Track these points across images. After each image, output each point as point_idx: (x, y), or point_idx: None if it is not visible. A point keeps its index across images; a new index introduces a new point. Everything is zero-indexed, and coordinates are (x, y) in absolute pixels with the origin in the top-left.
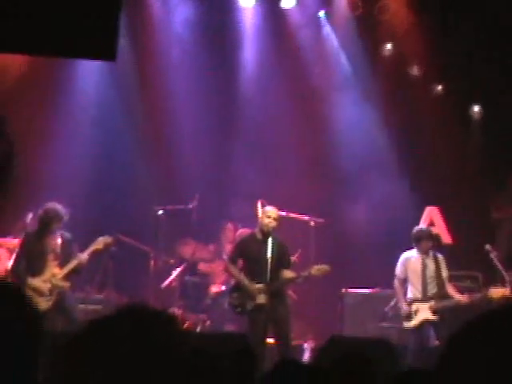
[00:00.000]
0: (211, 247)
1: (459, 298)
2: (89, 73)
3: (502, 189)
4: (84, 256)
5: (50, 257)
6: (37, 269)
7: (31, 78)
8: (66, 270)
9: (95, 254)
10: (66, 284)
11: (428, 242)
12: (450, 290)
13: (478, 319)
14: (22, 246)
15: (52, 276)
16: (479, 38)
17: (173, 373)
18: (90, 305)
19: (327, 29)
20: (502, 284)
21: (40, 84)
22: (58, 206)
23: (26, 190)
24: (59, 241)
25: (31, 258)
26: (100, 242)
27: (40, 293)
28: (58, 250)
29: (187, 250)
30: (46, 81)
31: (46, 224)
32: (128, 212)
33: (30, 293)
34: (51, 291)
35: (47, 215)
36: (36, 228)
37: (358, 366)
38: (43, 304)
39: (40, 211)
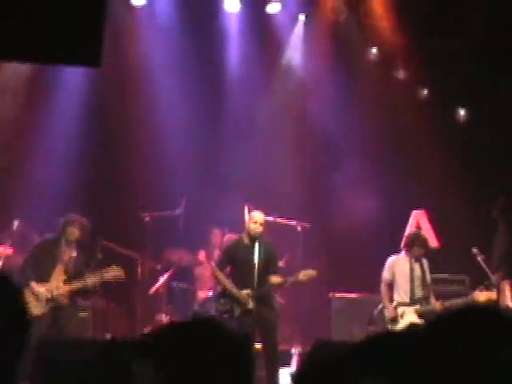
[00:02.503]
0: (198, 253)
1: (441, 303)
2: (73, 77)
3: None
4: (93, 282)
5: (60, 267)
6: (44, 275)
7: (15, 81)
8: (71, 287)
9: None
10: (66, 301)
11: (420, 248)
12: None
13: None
14: (37, 248)
15: (56, 288)
16: (464, 40)
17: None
18: (78, 311)
19: (308, 32)
20: (489, 287)
21: (25, 88)
22: (84, 219)
23: (12, 197)
24: (73, 255)
25: (42, 263)
26: (112, 275)
27: (38, 299)
28: (71, 263)
29: (174, 255)
30: (31, 85)
31: (65, 232)
32: (114, 218)
33: (28, 294)
34: (48, 301)
35: (67, 222)
36: (55, 235)
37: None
38: (35, 309)
39: (62, 219)
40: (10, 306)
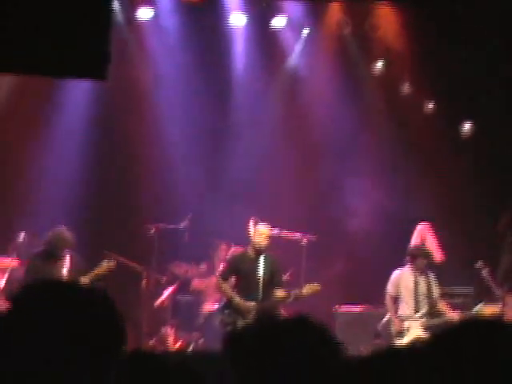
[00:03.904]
0: (203, 266)
1: (450, 315)
2: (77, 91)
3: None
4: (85, 280)
5: None
6: None
7: (19, 96)
8: None
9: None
10: None
11: (423, 260)
12: (442, 306)
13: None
14: (28, 269)
15: None
16: (470, 55)
17: None
18: None
19: (313, 46)
20: (494, 300)
21: (29, 104)
22: (66, 232)
23: (19, 209)
24: (68, 264)
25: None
26: (103, 267)
27: None
28: (66, 275)
29: (179, 268)
30: (34, 100)
31: (53, 248)
32: (120, 231)
33: None
34: None
35: (54, 239)
36: (42, 251)
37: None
38: None
39: (49, 234)
40: (115, 321)
